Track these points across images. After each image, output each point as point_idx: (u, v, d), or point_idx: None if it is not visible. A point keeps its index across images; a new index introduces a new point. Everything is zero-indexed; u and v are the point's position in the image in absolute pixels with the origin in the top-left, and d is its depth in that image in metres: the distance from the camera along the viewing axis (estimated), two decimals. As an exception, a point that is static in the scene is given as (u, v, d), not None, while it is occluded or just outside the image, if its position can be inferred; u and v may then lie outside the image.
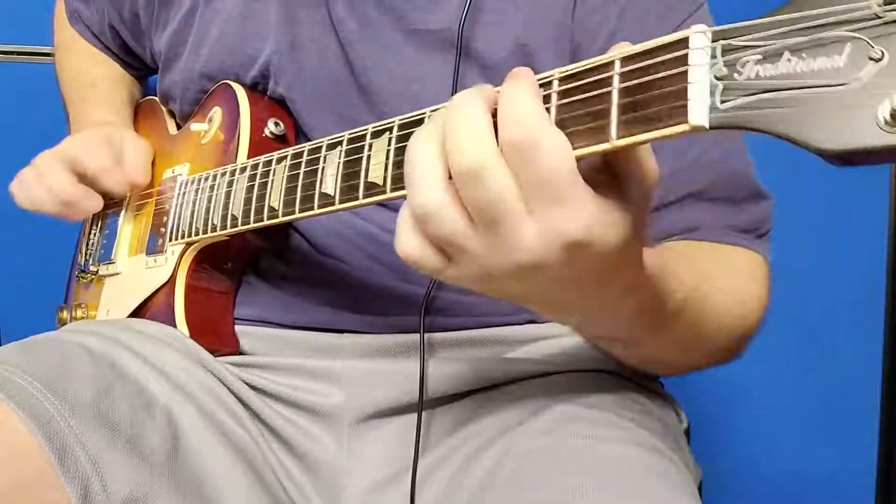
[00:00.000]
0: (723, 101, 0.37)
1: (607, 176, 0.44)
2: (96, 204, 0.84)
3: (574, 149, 0.42)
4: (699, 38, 0.38)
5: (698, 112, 0.37)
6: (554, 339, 0.76)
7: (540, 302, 0.50)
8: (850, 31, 0.35)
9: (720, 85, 0.37)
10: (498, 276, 0.45)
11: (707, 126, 0.37)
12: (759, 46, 0.36)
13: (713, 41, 0.38)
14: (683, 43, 0.38)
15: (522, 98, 0.42)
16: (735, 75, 0.37)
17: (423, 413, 0.69)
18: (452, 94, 0.67)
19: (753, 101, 0.36)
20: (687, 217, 0.70)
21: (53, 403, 0.61)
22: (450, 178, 0.43)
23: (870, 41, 0.34)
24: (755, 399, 1.37)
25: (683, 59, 0.38)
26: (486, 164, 0.41)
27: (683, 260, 0.62)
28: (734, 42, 0.37)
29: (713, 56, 0.37)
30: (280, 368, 0.76)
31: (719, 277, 0.65)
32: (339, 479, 0.72)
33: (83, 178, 0.83)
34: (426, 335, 0.72)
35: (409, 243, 0.45)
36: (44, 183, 0.82)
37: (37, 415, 0.59)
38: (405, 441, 0.71)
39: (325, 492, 0.72)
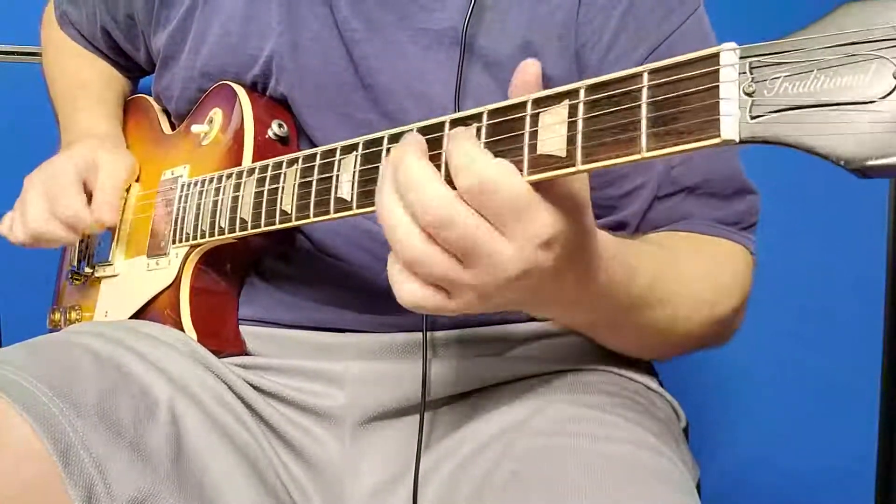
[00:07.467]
0: (752, 117, 0.38)
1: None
2: (62, 235, 0.83)
3: (602, 160, 0.43)
4: (729, 55, 0.39)
5: (729, 127, 0.39)
6: (554, 338, 0.77)
7: (534, 302, 0.56)
8: (876, 50, 0.36)
9: (749, 101, 0.39)
10: (494, 293, 0.50)
11: (737, 140, 0.39)
12: (788, 64, 0.38)
13: (742, 58, 0.39)
14: (714, 59, 0.39)
15: (467, 146, 0.48)
16: (765, 91, 0.38)
17: (425, 414, 0.70)
18: (457, 92, 0.69)
19: (782, 116, 0.38)
20: (675, 210, 0.73)
21: (58, 405, 0.61)
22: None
23: (893, 61, 0.36)
24: (754, 398, 1.38)
25: (714, 76, 0.39)
26: (450, 213, 0.47)
27: (651, 245, 0.67)
28: (763, 59, 0.38)
29: (743, 72, 0.39)
30: (283, 370, 0.76)
31: (692, 265, 0.68)
32: (341, 481, 0.73)
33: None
34: (428, 333, 0.72)
35: (409, 293, 0.51)
36: (24, 217, 0.83)
37: (41, 417, 0.59)
38: (407, 442, 0.71)
39: (327, 493, 0.73)
